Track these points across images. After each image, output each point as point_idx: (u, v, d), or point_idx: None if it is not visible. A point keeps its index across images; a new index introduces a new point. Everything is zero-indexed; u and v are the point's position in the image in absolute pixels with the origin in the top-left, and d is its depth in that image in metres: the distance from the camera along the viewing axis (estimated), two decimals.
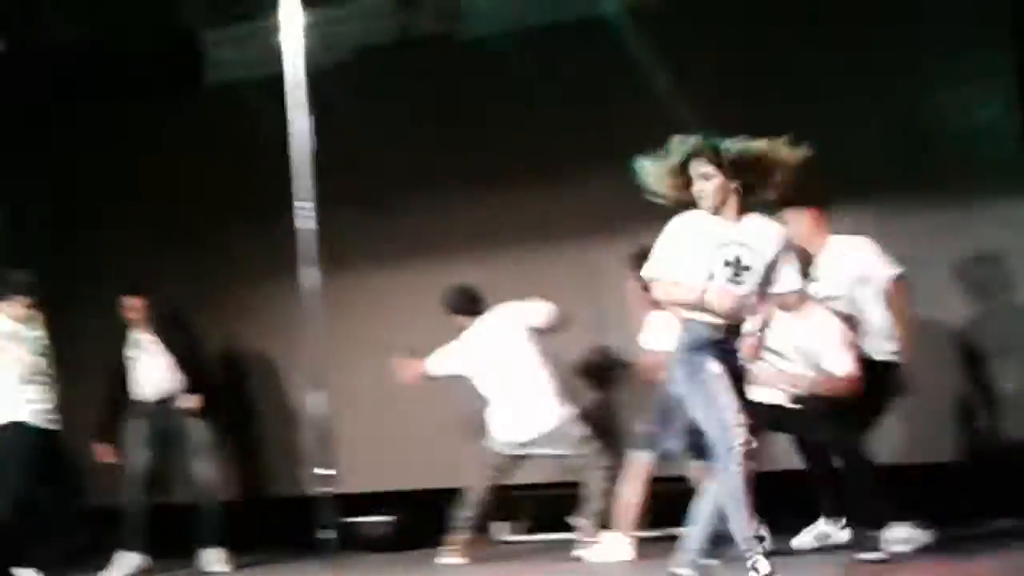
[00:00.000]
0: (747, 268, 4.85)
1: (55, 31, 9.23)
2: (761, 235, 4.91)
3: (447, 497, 7.18)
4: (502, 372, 6.97)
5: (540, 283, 7.34)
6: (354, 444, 7.88)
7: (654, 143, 6.77)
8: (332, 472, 7.17)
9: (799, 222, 6.26)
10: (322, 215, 7.07)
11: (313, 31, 8.02)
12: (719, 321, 4.81)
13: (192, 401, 7.74)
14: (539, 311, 7.02)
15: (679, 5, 7.86)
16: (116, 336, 7.92)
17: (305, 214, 7.33)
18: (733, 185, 4.84)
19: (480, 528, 7.14)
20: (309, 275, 6.50)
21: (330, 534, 7.07)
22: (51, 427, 7.04)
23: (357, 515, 7.86)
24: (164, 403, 7.81)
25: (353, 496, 7.56)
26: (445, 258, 7.87)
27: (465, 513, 6.94)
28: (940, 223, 7.18)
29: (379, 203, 8.39)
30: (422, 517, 7.70)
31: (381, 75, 8.60)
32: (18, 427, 6.88)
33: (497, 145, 8.25)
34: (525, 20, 8.40)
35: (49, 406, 7.07)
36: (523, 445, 6.92)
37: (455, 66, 8.52)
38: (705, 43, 7.75)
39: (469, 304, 7.18)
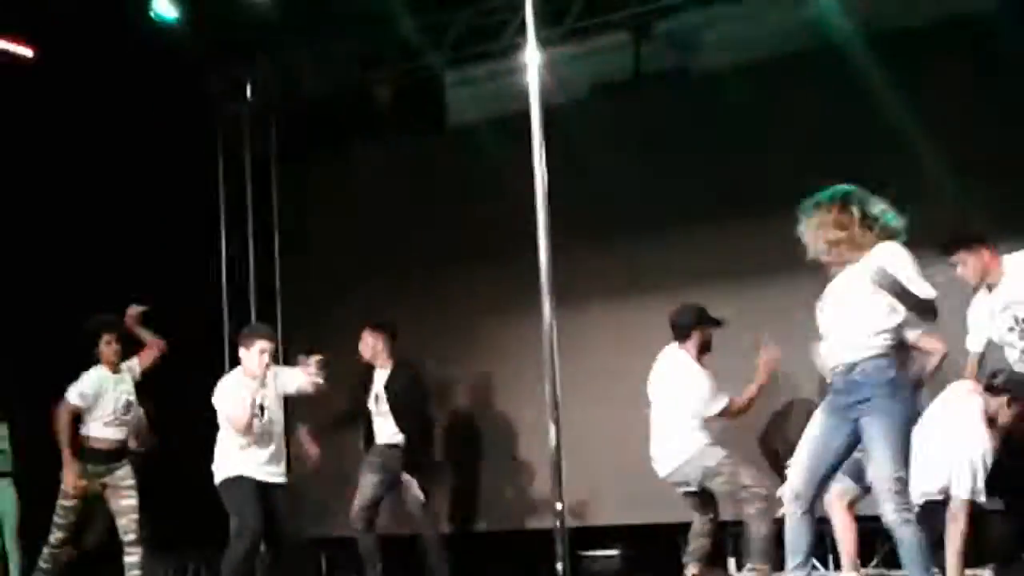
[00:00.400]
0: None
1: (298, 84, 9.70)
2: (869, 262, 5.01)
3: (680, 531, 7.13)
4: (656, 408, 6.91)
5: (776, 314, 7.26)
6: (588, 478, 7.91)
7: (895, 175, 6.64)
8: (565, 505, 7.21)
9: (977, 260, 6.08)
10: (557, 251, 7.13)
11: (550, 69, 8.16)
12: (831, 366, 5.05)
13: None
14: (708, 400, 6.81)
15: (915, 33, 7.71)
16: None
17: (542, 250, 7.43)
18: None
19: (711, 562, 7.03)
20: (545, 310, 6.57)
21: (562, 567, 7.10)
22: (272, 480, 7.01)
23: (589, 548, 7.89)
24: (393, 449, 8.03)
25: (587, 529, 7.60)
26: (679, 292, 7.84)
27: (689, 547, 6.86)
28: None
29: (614, 238, 8.48)
30: (654, 551, 7.67)
31: (616, 110, 8.68)
32: (240, 480, 6.94)
33: (733, 178, 8.21)
34: (759, 51, 8.37)
35: (267, 461, 7.02)
36: (669, 480, 6.82)
37: (690, 99, 8.54)
38: (943, 71, 7.57)
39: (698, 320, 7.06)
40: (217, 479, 7.06)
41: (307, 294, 9.88)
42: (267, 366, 7.02)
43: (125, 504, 7.55)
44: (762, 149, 8.08)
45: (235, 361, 9.80)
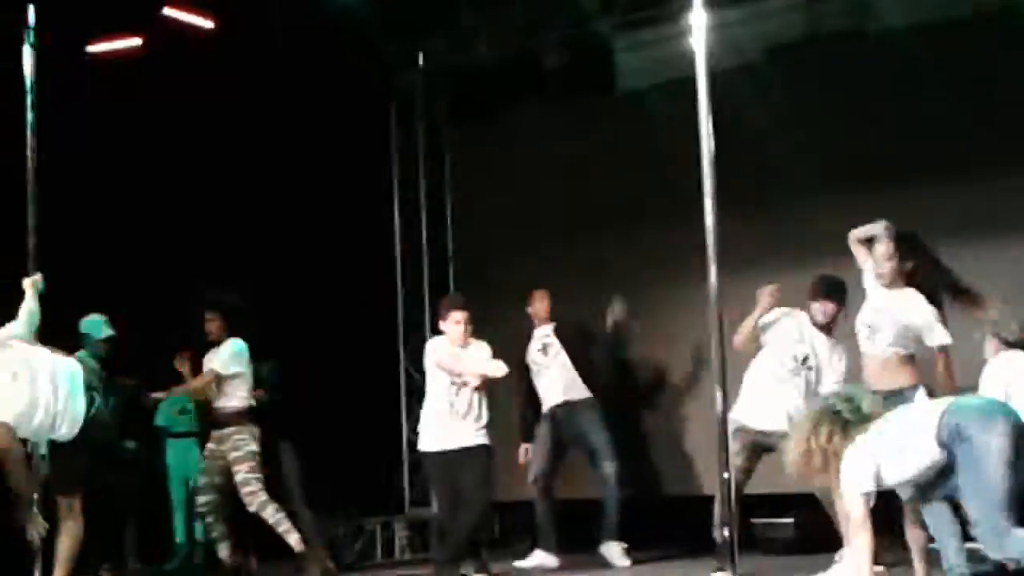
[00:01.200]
0: None
1: (470, 51, 9.78)
2: None
3: None
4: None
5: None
6: None
7: None
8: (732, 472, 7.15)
9: None
10: (724, 215, 7.06)
11: (720, 32, 8.03)
12: None
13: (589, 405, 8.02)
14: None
15: None
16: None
17: (709, 214, 7.36)
18: None
19: None
20: (711, 274, 6.52)
21: (730, 535, 7.05)
22: (465, 445, 7.09)
23: (759, 516, 7.82)
24: (567, 406, 8.10)
25: (761, 496, 7.51)
26: (849, 258, 7.69)
27: None
28: None
29: (783, 203, 8.36)
30: (828, 519, 7.55)
31: (788, 73, 8.53)
32: (429, 456, 7.22)
33: (912, 141, 8.01)
34: (938, 11, 8.12)
35: (464, 431, 7.10)
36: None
37: (865, 61, 8.34)
38: None
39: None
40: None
41: (479, 258, 10.00)
42: (466, 335, 7.10)
43: None
44: (941, 112, 7.85)
45: (409, 325, 10.11)
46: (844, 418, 5.07)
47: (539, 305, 8.30)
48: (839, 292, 6.84)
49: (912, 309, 6.21)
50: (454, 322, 7.14)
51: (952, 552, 5.17)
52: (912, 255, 6.28)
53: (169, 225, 8.78)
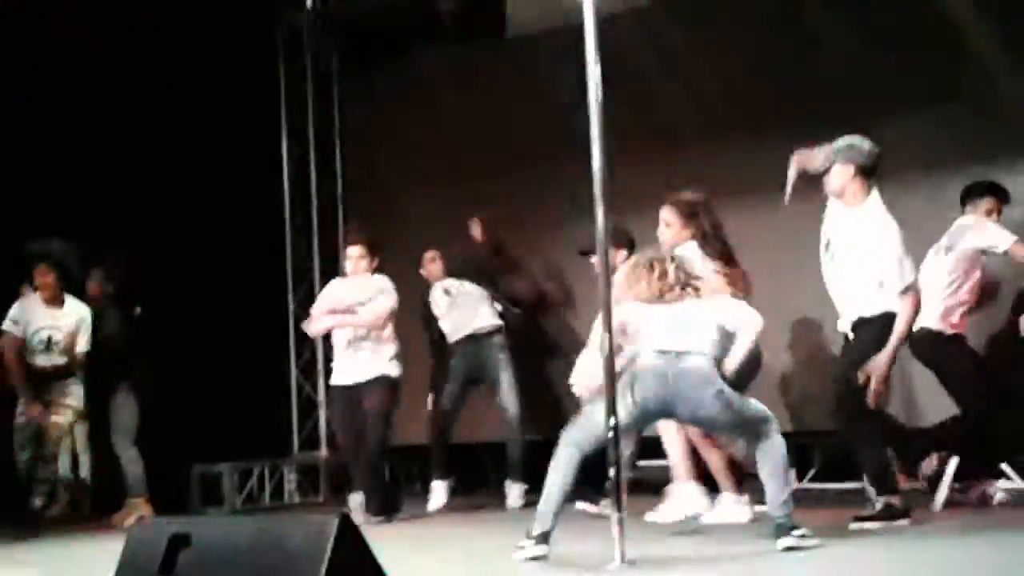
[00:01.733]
0: None
1: None
2: None
3: None
4: None
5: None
6: None
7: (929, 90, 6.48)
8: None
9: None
10: (613, 159, 7.13)
11: None
12: None
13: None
14: None
15: None
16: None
17: (597, 158, 7.40)
18: None
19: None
20: (599, 217, 6.59)
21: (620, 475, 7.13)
22: (362, 380, 7.41)
23: (648, 458, 7.92)
24: (472, 340, 8.12)
25: (645, 439, 7.60)
26: (741, 202, 7.79)
27: None
28: None
29: (671, 147, 8.41)
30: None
31: (677, 17, 8.56)
32: (332, 390, 7.66)
33: (783, 91, 8.10)
34: None
35: (360, 363, 7.40)
36: None
37: (753, 9, 8.40)
38: None
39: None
40: None
41: (368, 203, 9.92)
42: (363, 270, 7.37)
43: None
44: (840, 57, 7.94)
45: (297, 269, 10.03)
46: (670, 274, 5.39)
47: (432, 267, 8.33)
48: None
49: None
50: (345, 258, 7.43)
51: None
52: (693, 221, 6.54)
53: (53, 174, 8.57)
